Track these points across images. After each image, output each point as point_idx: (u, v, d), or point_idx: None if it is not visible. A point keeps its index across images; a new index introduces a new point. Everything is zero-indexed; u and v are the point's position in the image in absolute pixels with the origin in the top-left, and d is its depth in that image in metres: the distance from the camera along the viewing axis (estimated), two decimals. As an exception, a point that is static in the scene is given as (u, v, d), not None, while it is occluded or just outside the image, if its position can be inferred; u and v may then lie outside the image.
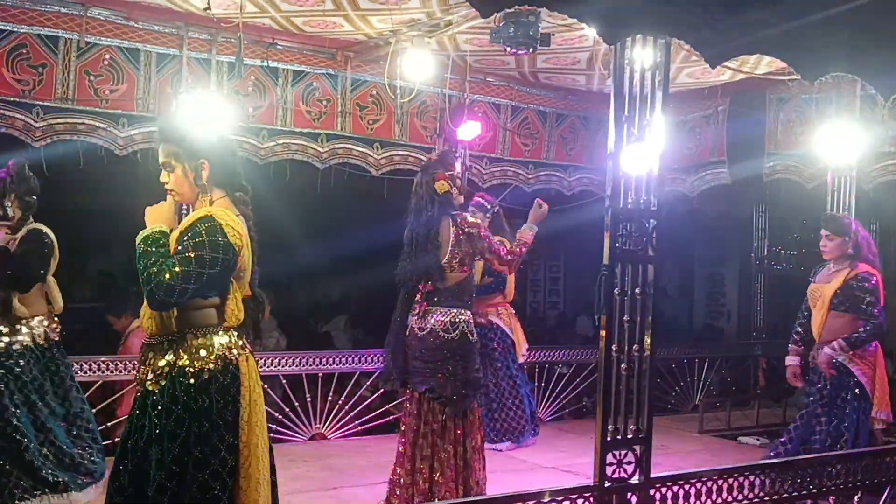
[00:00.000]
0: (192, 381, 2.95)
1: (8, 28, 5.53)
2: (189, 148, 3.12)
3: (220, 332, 3.03)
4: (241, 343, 3.08)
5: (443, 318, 4.66)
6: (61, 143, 5.76)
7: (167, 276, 2.84)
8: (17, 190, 4.70)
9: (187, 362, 2.96)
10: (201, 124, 3.30)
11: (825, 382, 5.28)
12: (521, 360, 6.83)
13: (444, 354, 4.64)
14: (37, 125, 5.68)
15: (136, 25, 5.95)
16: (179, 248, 2.92)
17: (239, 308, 3.08)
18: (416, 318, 4.69)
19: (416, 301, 4.72)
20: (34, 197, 4.80)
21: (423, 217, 4.70)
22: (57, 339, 4.76)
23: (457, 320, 4.67)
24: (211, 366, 2.97)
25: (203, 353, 2.98)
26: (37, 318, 4.66)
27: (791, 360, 5.61)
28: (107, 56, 5.89)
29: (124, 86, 5.97)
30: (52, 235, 4.75)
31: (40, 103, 5.69)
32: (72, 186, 7.11)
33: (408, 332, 4.71)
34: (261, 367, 6.45)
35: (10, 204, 4.66)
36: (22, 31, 5.58)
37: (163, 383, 2.96)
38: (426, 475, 4.59)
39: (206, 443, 2.92)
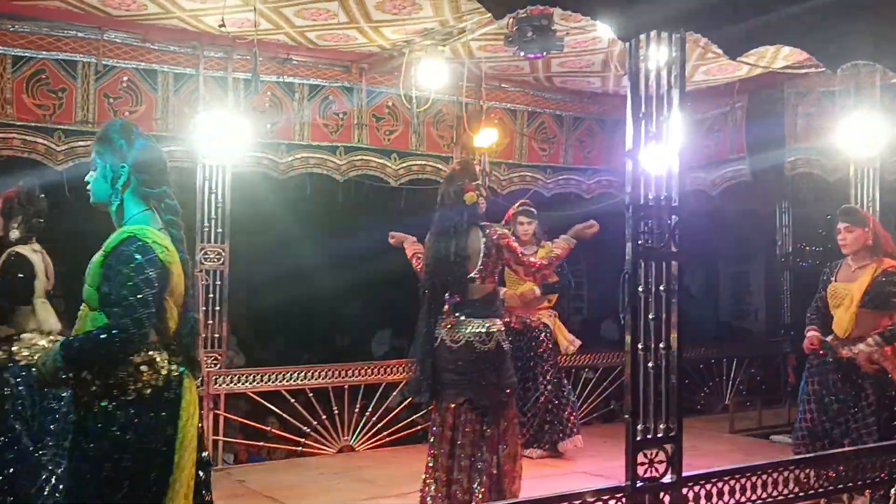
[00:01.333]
0: None
1: (27, 54, 5.62)
2: (114, 150, 2.99)
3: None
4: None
5: (477, 330, 4.62)
6: (83, 165, 5.81)
7: (112, 334, 2.75)
8: (25, 212, 4.70)
9: None
10: (131, 130, 3.07)
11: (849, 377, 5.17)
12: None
13: (481, 366, 4.61)
14: (58, 149, 5.75)
15: (152, 47, 6.02)
16: (108, 289, 2.80)
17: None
18: (446, 330, 4.64)
19: (444, 312, 4.67)
20: (41, 220, 4.78)
21: (452, 228, 4.67)
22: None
23: (491, 330, 4.65)
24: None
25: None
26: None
27: (812, 332, 5.36)
28: (125, 78, 5.96)
29: (143, 107, 6.03)
30: (33, 259, 4.68)
31: (61, 127, 5.77)
32: (94, 208, 7.17)
33: (437, 344, 4.65)
34: (287, 381, 6.58)
35: (15, 225, 4.67)
36: (41, 56, 5.66)
37: None
38: (465, 485, 4.54)
39: None
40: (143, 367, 2.83)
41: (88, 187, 3.05)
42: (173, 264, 2.89)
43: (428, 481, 4.68)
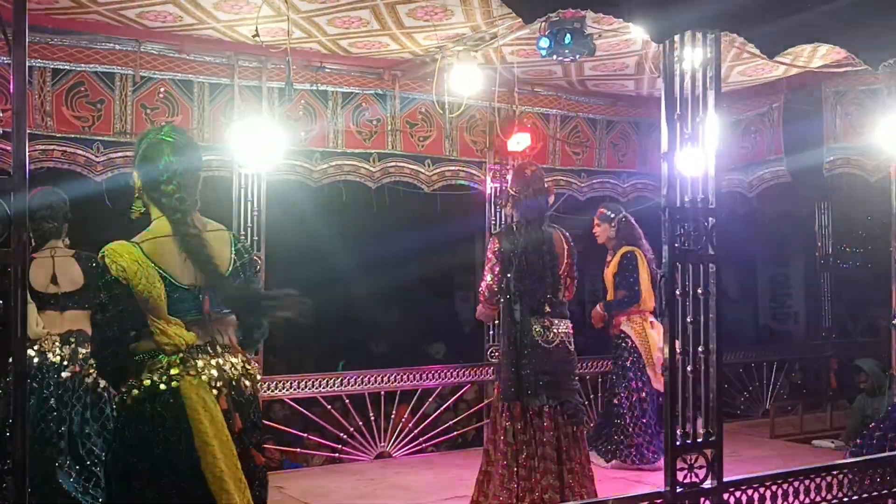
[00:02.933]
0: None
1: (66, 67, 5.70)
2: (134, 157, 3.13)
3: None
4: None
5: (565, 330, 4.73)
6: (122, 176, 5.88)
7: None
8: (31, 219, 4.77)
9: None
10: (143, 135, 3.17)
11: None
12: (656, 367, 6.28)
13: (570, 367, 4.75)
14: (97, 160, 5.83)
15: (188, 58, 6.08)
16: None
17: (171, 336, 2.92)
18: (540, 330, 4.66)
19: (539, 314, 4.68)
20: (49, 224, 4.86)
21: (538, 229, 4.73)
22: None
23: (570, 331, 4.77)
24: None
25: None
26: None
27: None
28: (161, 89, 6.03)
29: (179, 117, 6.10)
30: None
31: (100, 138, 5.85)
32: (133, 217, 7.26)
33: (530, 345, 4.64)
34: (324, 388, 6.61)
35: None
36: (79, 69, 5.75)
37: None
38: (556, 487, 4.54)
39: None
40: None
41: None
42: (130, 279, 2.85)
43: (488, 488, 4.62)
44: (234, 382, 2.97)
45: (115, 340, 2.86)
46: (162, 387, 2.84)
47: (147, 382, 2.85)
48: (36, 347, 4.72)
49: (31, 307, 4.72)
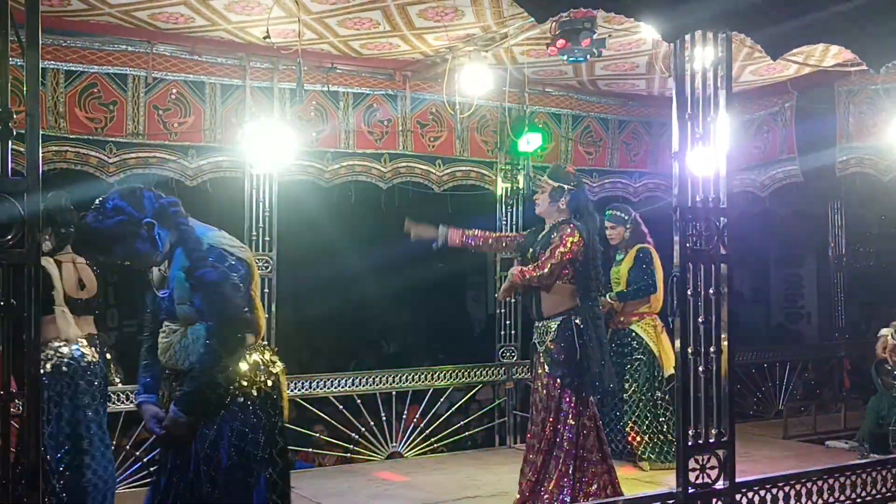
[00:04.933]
0: None
1: (79, 69, 5.73)
2: None
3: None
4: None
5: None
6: (134, 177, 5.91)
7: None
8: (54, 224, 4.81)
9: None
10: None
11: None
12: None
13: None
14: (110, 161, 5.86)
15: (200, 59, 6.10)
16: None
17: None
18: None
19: (593, 301, 4.76)
20: (70, 230, 4.89)
21: (593, 220, 4.82)
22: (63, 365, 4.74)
23: None
24: None
25: None
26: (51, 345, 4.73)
27: None
28: (174, 90, 6.06)
29: (191, 118, 6.12)
30: (50, 270, 4.72)
31: (112, 139, 5.87)
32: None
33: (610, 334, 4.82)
34: (335, 388, 6.62)
35: (46, 238, 4.77)
36: (92, 70, 5.78)
37: None
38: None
39: None
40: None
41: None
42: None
43: (546, 486, 4.58)
44: None
45: (241, 321, 3.15)
46: (280, 366, 3.32)
47: (275, 368, 3.28)
48: (74, 347, 4.79)
49: (66, 310, 4.81)
